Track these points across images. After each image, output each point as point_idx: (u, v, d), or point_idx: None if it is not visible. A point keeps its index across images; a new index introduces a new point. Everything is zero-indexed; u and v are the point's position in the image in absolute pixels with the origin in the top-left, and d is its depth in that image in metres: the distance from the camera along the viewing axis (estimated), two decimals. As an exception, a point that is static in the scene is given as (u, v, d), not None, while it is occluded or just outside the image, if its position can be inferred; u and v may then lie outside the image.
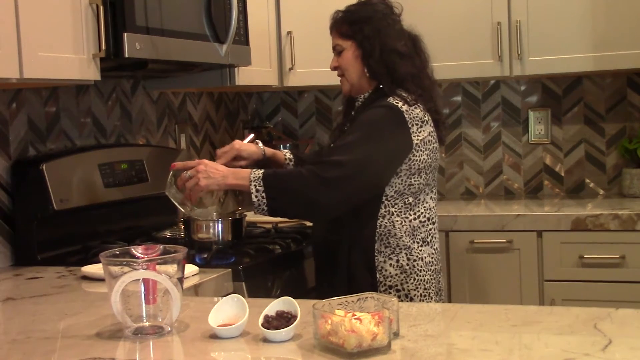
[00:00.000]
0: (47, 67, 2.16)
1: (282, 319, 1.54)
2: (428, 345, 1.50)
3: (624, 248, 3.08)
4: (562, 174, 3.76)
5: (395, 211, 2.32)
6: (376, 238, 2.32)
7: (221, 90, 3.65)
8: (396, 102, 2.29)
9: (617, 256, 3.08)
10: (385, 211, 2.31)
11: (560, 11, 3.37)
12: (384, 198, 2.31)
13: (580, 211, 3.16)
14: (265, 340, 1.52)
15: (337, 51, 2.43)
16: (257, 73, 3.21)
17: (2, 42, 2.02)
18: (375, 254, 2.31)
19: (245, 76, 3.10)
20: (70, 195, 2.55)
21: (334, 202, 2.22)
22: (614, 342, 1.45)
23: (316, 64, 3.40)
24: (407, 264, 2.31)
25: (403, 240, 2.31)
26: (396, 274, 2.31)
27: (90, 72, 2.30)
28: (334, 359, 1.41)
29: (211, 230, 2.59)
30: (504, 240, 3.21)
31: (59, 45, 2.20)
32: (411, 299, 2.31)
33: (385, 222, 2.31)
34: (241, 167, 2.44)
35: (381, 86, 2.36)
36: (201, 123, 3.56)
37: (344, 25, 2.40)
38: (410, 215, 2.33)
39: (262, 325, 1.53)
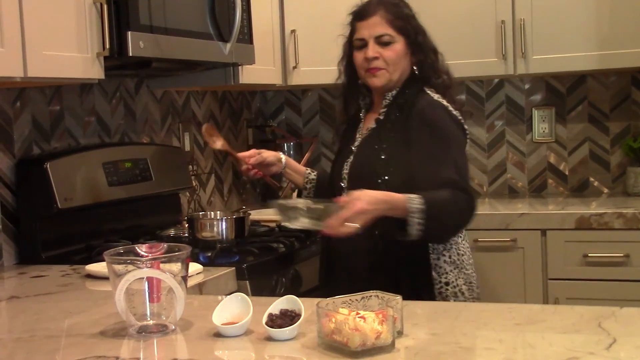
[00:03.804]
0: (51, 66, 2.16)
1: (286, 318, 1.54)
2: (432, 343, 1.50)
3: (628, 247, 3.08)
4: (567, 173, 3.75)
5: None
6: (430, 251, 2.24)
7: (225, 88, 3.65)
8: (444, 102, 2.27)
9: (622, 255, 3.08)
10: None
11: (564, 9, 3.36)
12: None
13: (584, 210, 3.16)
14: (269, 338, 1.52)
15: (384, 42, 2.30)
16: (260, 72, 3.21)
17: (6, 41, 2.02)
18: (430, 251, 2.24)
19: (249, 75, 3.10)
20: (74, 193, 2.55)
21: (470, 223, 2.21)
22: (618, 341, 1.45)
23: (320, 62, 3.40)
24: (458, 259, 2.27)
25: (459, 256, 2.28)
26: (450, 270, 2.24)
27: (94, 71, 2.30)
28: (338, 357, 1.41)
29: (215, 229, 2.59)
30: (508, 239, 3.20)
31: (63, 44, 2.20)
32: (463, 294, 2.25)
33: None
34: (275, 172, 2.51)
35: (413, 83, 2.32)
36: (205, 122, 3.55)
37: (397, 19, 2.31)
38: None
39: (266, 323, 1.53)
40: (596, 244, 3.11)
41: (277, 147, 3.87)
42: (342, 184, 2.33)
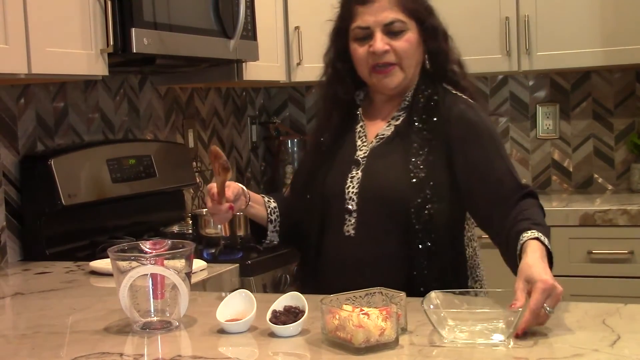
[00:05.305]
0: (55, 63, 2.16)
1: (290, 314, 1.54)
2: (435, 340, 1.49)
3: (632, 243, 3.07)
4: (571, 169, 3.75)
5: (471, 235, 1.93)
6: (468, 273, 1.91)
7: (229, 85, 3.65)
8: (470, 100, 1.94)
9: (626, 252, 3.07)
10: (467, 239, 1.92)
11: (568, 6, 3.35)
12: (465, 224, 1.91)
13: (588, 206, 3.15)
14: (273, 335, 1.52)
15: (395, 30, 1.87)
16: (264, 68, 3.21)
17: (11, 37, 2.02)
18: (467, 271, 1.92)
19: (253, 71, 3.10)
20: (78, 190, 2.55)
21: None
22: (622, 338, 1.44)
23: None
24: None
25: (482, 270, 1.94)
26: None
27: (98, 68, 2.30)
28: (342, 354, 1.41)
29: (219, 226, 2.59)
30: (512, 236, 3.20)
31: (67, 41, 2.20)
32: None
33: (470, 252, 1.92)
34: (240, 208, 1.90)
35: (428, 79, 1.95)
36: (209, 118, 3.56)
37: (408, 0, 1.89)
38: (476, 238, 1.96)
39: (270, 320, 1.53)
40: (600, 241, 3.10)
41: (280, 144, 3.87)
42: (349, 206, 1.86)
